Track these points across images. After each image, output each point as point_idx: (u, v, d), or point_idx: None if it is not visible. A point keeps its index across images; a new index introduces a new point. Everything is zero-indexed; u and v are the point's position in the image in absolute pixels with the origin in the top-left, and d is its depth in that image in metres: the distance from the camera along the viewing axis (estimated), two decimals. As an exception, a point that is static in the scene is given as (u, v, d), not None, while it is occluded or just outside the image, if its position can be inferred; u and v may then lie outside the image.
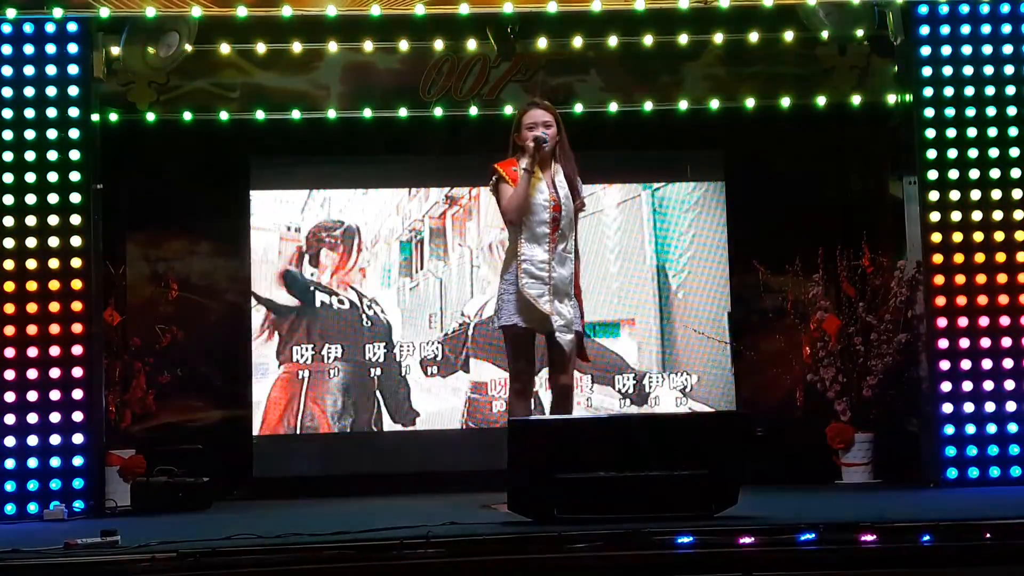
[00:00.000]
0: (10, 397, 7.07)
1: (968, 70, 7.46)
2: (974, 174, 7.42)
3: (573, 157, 6.43)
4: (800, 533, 4.81)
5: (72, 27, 7.29)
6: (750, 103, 8.43)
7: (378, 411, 8.67)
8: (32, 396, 7.08)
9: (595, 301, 8.42)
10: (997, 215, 7.41)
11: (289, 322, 8.69)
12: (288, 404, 8.63)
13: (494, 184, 6.40)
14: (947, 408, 7.32)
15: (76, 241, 7.21)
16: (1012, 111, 7.45)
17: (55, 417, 7.09)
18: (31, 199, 7.20)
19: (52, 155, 7.24)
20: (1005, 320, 7.35)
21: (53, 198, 7.22)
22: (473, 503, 6.56)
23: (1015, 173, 7.42)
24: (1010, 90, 7.45)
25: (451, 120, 8.50)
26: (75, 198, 7.23)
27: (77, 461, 7.09)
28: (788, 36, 8.24)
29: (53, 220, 7.20)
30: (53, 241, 7.19)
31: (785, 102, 8.44)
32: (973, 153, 7.43)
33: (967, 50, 7.46)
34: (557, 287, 6.25)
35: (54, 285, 7.16)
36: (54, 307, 7.14)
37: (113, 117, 8.09)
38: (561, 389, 6.35)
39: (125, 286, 8.42)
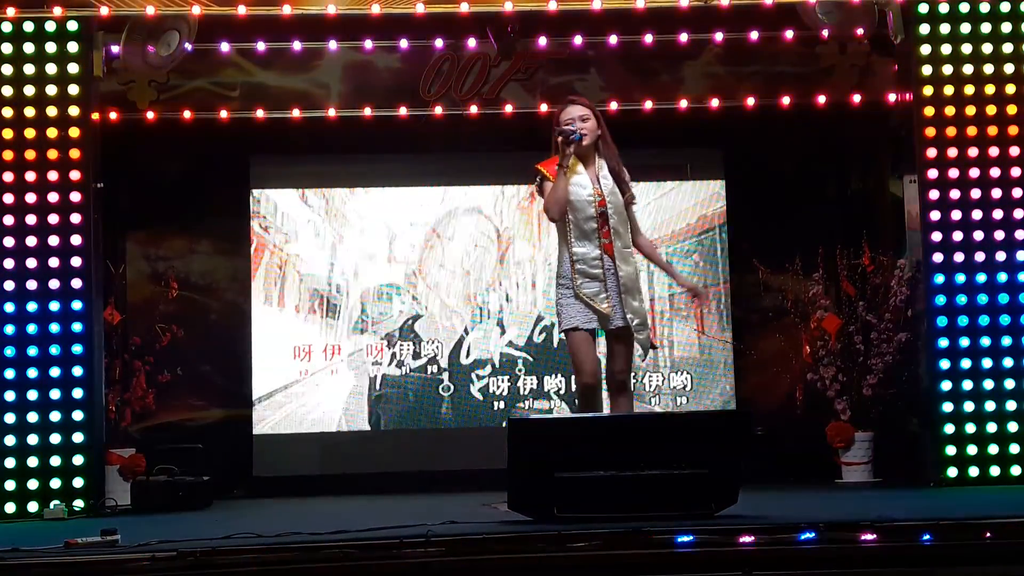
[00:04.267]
0: (10, 396, 7.08)
1: (968, 69, 7.46)
2: (974, 173, 7.42)
3: (616, 150, 6.35)
4: (800, 533, 4.81)
5: (72, 26, 7.30)
6: (750, 102, 8.43)
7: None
8: (32, 395, 7.09)
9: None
10: (997, 214, 7.40)
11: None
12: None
13: (538, 184, 6.32)
14: (947, 407, 7.32)
15: (76, 240, 7.21)
16: (1012, 110, 7.44)
17: (55, 416, 7.10)
18: (31, 198, 7.20)
19: (52, 154, 7.24)
20: (1005, 319, 7.35)
21: (53, 197, 7.22)
22: (473, 503, 6.56)
23: (1015, 172, 7.42)
24: (1010, 89, 7.44)
25: (451, 119, 8.50)
26: (75, 197, 7.24)
27: (77, 460, 7.10)
28: (788, 35, 8.24)
29: (53, 219, 7.21)
30: (53, 240, 7.19)
31: (785, 101, 8.43)
32: (973, 152, 7.43)
33: (967, 49, 7.46)
34: (627, 285, 6.18)
35: (54, 284, 7.16)
36: (54, 306, 7.15)
37: (113, 116, 8.09)
38: (620, 385, 6.30)
39: (125, 285, 8.42)
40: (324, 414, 8.67)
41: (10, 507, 7.00)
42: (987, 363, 7.33)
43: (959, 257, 7.39)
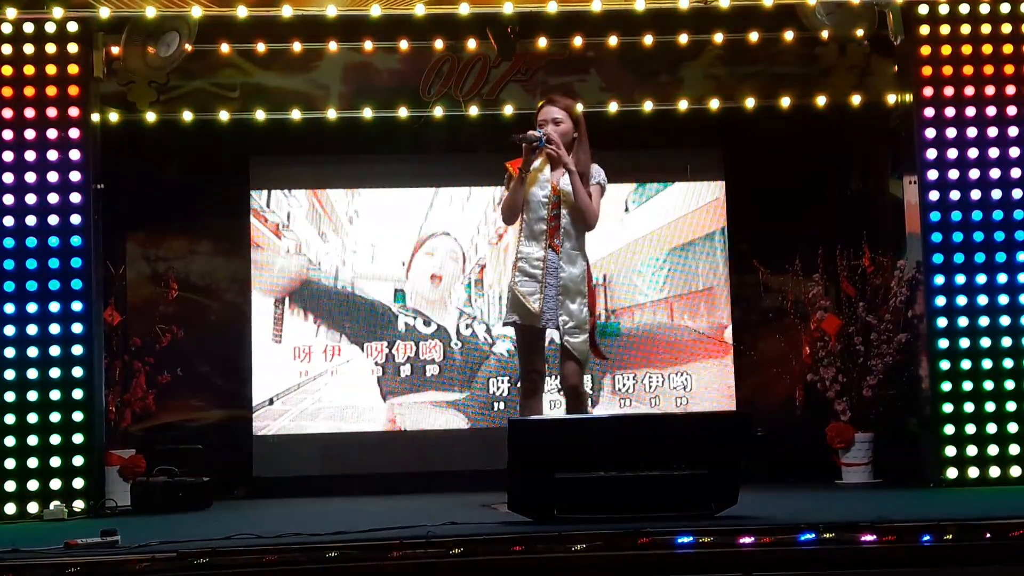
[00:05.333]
0: (10, 397, 7.08)
1: (968, 70, 7.46)
2: (974, 174, 7.42)
3: (589, 152, 6.32)
4: (800, 533, 4.81)
5: (72, 27, 7.29)
6: (750, 103, 8.43)
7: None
8: (32, 396, 7.09)
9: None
10: (997, 215, 7.40)
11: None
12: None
13: (506, 183, 6.33)
14: (947, 408, 7.32)
15: (76, 241, 7.21)
16: (1012, 111, 7.44)
17: (55, 417, 7.09)
18: (31, 199, 7.20)
19: (52, 155, 7.24)
20: (1005, 320, 7.34)
21: (53, 198, 7.22)
22: (473, 503, 6.56)
23: (1015, 173, 7.42)
24: (1010, 90, 7.44)
25: (451, 120, 8.50)
26: (75, 198, 7.23)
27: (77, 461, 7.09)
28: (788, 36, 8.24)
29: (53, 220, 7.20)
30: (53, 241, 7.19)
31: (785, 102, 8.44)
32: (973, 153, 7.42)
33: (967, 50, 7.46)
34: (567, 286, 6.19)
35: (54, 285, 7.16)
36: (54, 307, 7.15)
37: (113, 117, 8.09)
38: (570, 390, 6.30)
39: (125, 286, 8.42)
40: (324, 415, 8.67)
41: (10, 508, 7.00)
42: (987, 364, 7.33)
43: (959, 258, 7.39)
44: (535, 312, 6.17)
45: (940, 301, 7.39)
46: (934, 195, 7.44)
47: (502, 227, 8.76)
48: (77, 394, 7.13)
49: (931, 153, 7.44)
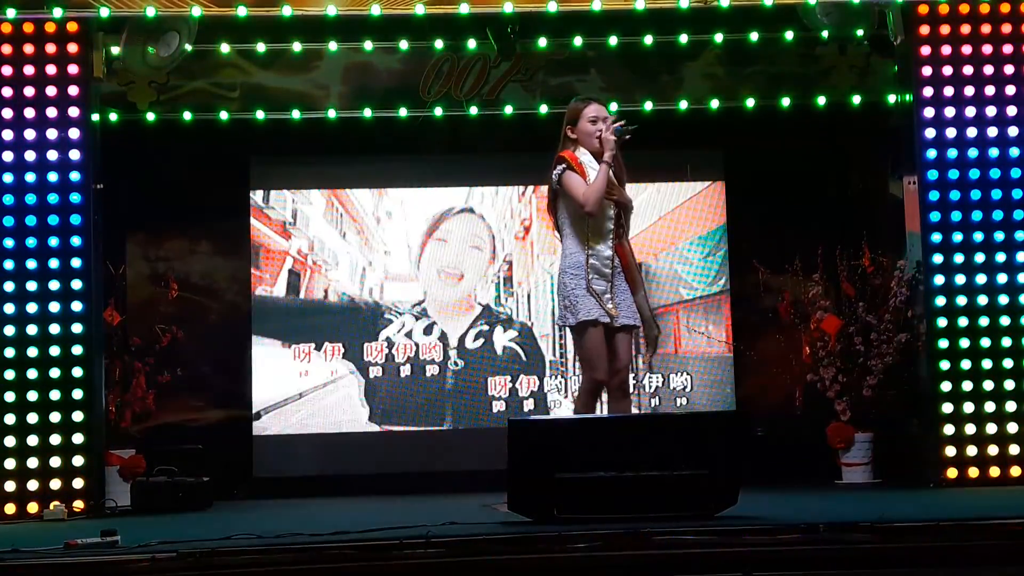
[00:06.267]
0: (10, 397, 7.08)
1: (968, 70, 7.46)
2: (974, 174, 7.43)
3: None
4: (800, 533, 4.81)
5: (72, 27, 7.30)
6: (750, 103, 8.43)
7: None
8: (32, 396, 7.09)
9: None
10: (997, 215, 7.41)
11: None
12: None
13: (560, 173, 6.16)
14: (947, 408, 7.33)
15: (76, 241, 7.22)
16: (1012, 111, 7.44)
17: (55, 417, 7.10)
18: (31, 199, 7.21)
19: (52, 155, 7.24)
20: (1005, 320, 7.35)
21: (53, 198, 7.22)
22: (473, 503, 6.56)
23: (1015, 173, 7.42)
24: (1010, 90, 7.44)
25: (451, 120, 8.50)
26: (75, 198, 7.24)
27: (77, 461, 7.10)
28: (788, 36, 8.24)
29: (53, 220, 7.21)
30: (53, 241, 7.20)
31: (785, 102, 8.44)
32: (973, 153, 7.43)
33: (967, 50, 7.46)
34: (635, 280, 6.24)
35: (54, 285, 7.17)
36: (54, 307, 7.15)
37: (113, 117, 8.09)
38: (621, 383, 6.29)
39: (125, 286, 8.42)
40: (324, 415, 8.66)
41: (10, 508, 7.00)
42: (987, 364, 7.33)
43: (959, 258, 7.39)
44: (611, 312, 6.15)
45: (940, 301, 7.39)
46: (934, 195, 7.44)
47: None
48: (77, 394, 7.14)
49: (931, 153, 7.45)
